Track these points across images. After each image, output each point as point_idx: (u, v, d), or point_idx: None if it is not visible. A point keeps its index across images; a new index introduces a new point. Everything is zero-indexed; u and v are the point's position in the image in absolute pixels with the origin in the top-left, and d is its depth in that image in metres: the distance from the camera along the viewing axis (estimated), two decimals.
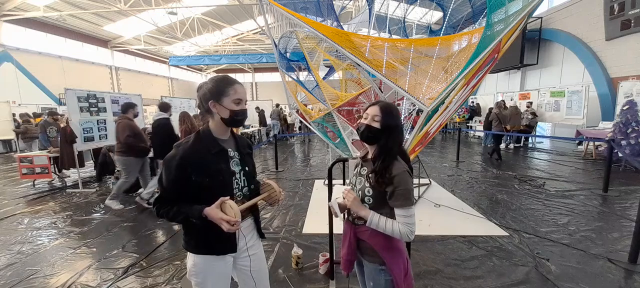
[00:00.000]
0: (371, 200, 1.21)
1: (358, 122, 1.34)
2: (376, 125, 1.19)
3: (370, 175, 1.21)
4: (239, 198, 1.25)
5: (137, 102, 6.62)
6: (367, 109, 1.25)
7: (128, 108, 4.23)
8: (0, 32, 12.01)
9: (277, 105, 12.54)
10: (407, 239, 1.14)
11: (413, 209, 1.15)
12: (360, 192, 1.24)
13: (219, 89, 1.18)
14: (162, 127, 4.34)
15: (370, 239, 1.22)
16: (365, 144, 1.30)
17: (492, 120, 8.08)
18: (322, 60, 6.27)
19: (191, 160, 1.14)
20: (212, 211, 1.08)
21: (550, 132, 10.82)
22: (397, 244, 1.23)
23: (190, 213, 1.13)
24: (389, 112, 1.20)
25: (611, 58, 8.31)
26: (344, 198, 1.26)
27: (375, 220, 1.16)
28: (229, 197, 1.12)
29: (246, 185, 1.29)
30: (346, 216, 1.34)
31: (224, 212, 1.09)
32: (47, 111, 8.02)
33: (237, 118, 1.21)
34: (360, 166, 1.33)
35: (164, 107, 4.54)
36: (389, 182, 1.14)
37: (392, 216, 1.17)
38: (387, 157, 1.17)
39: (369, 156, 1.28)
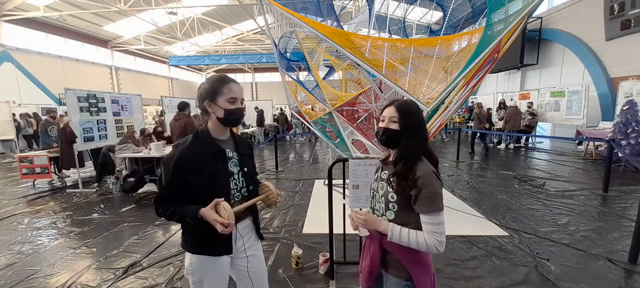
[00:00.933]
0: (396, 206, 1.10)
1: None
2: (394, 127, 1.10)
3: (391, 179, 1.11)
4: (237, 199, 1.25)
5: (137, 102, 6.66)
6: (383, 110, 1.16)
7: (185, 106, 4.69)
8: (0, 32, 12.01)
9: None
10: (434, 251, 1.02)
11: (441, 216, 1.02)
12: (383, 198, 1.14)
13: (213, 88, 1.18)
14: None
15: (398, 251, 1.10)
16: (385, 148, 1.20)
17: (473, 119, 8.42)
18: (322, 60, 6.27)
19: (188, 161, 1.14)
20: (206, 212, 1.08)
21: (550, 132, 10.82)
22: (426, 258, 1.13)
23: (187, 213, 1.13)
24: (408, 110, 1.10)
25: (611, 58, 8.31)
26: (355, 223, 1.14)
27: (397, 232, 1.05)
28: (223, 199, 1.11)
29: (245, 186, 1.28)
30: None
31: (219, 213, 1.09)
32: (45, 110, 8.04)
33: (231, 117, 1.20)
34: (380, 170, 1.22)
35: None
36: (413, 185, 1.04)
37: (418, 221, 1.07)
38: (410, 159, 1.08)
39: (391, 158, 1.18)
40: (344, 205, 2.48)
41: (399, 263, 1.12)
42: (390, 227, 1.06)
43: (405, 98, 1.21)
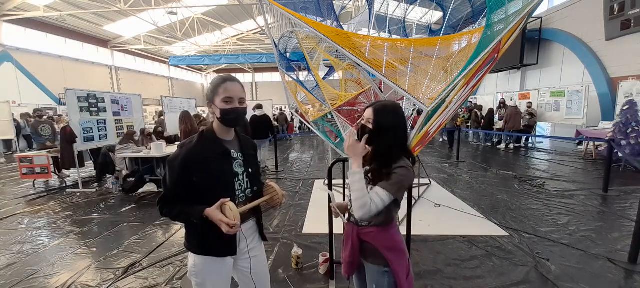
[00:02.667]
0: None
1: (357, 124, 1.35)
2: (369, 126, 1.19)
3: (368, 175, 1.20)
4: (241, 200, 1.25)
5: (137, 102, 6.65)
6: (364, 112, 1.25)
7: (185, 116, 5.14)
8: (0, 32, 12.01)
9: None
10: (360, 210, 1.09)
11: (388, 199, 1.10)
12: None
13: (213, 89, 1.19)
14: (263, 121, 6.39)
15: (375, 240, 1.19)
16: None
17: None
18: (322, 60, 6.26)
19: (194, 161, 1.14)
20: (212, 212, 1.08)
21: (550, 132, 10.83)
22: (400, 245, 1.22)
23: (192, 213, 1.13)
24: (383, 112, 1.18)
25: (611, 58, 8.31)
26: (335, 211, 1.28)
27: (357, 177, 1.11)
28: (229, 199, 1.11)
29: (249, 186, 1.28)
30: (348, 217, 1.31)
31: (224, 213, 1.08)
32: (34, 111, 8.12)
33: (227, 117, 1.18)
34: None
35: (260, 106, 6.53)
36: (387, 175, 1.13)
37: (387, 213, 1.16)
38: (384, 157, 1.16)
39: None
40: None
41: (376, 251, 1.20)
42: (358, 169, 1.14)
43: (381, 99, 1.31)
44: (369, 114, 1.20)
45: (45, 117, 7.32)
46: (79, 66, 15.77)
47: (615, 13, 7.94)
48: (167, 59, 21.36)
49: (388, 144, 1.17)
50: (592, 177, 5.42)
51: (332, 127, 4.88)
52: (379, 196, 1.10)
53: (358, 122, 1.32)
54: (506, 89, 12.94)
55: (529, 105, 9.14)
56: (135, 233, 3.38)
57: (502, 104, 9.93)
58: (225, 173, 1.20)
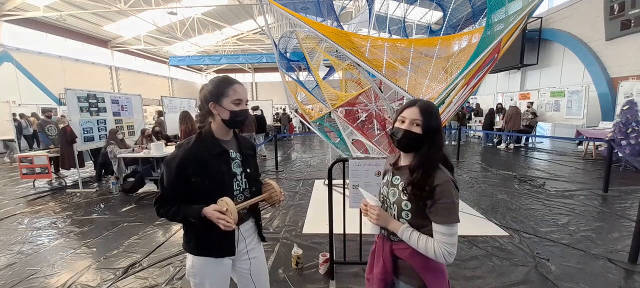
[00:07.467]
0: (409, 215, 1.04)
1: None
2: (417, 130, 1.01)
3: (407, 188, 1.03)
4: (239, 200, 1.24)
5: (137, 102, 6.65)
6: (403, 110, 1.06)
7: (185, 117, 5.36)
8: (0, 32, 12.01)
9: None
10: (443, 261, 0.96)
11: (456, 227, 0.97)
12: (395, 205, 1.08)
13: (218, 89, 1.17)
14: (263, 120, 8.68)
15: (411, 258, 1.05)
16: (398, 151, 1.13)
17: None
18: (322, 60, 6.26)
19: (192, 161, 1.14)
20: (209, 210, 1.08)
21: (550, 132, 10.82)
22: (440, 266, 1.06)
23: (189, 213, 1.13)
24: (430, 112, 1.02)
25: (611, 58, 8.31)
26: (367, 214, 1.09)
27: (407, 234, 1.01)
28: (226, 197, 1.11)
29: (247, 187, 1.28)
30: (380, 230, 1.16)
31: (221, 210, 1.09)
32: (43, 110, 8.09)
33: (237, 119, 1.19)
34: (391, 175, 1.15)
35: (256, 107, 8.36)
36: (429, 194, 0.98)
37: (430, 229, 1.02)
38: (429, 167, 1.01)
39: (402, 163, 1.11)
40: (344, 204, 2.47)
41: (412, 270, 1.07)
42: (401, 228, 1.03)
43: (423, 99, 1.07)
44: (414, 113, 1.02)
45: (56, 117, 7.33)
46: (79, 66, 15.76)
47: (615, 13, 7.94)
48: (167, 59, 21.34)
49: (434, 150, 1.02)
50: (592, 177, 5.42)
51: (331, 126, 4.87)
52: (441, 235, 0.97)
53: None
54: (506, 89, 12.93)
55: (529, 105, 9.13)
56: (135, 233, 3.38)
57: (499, 108, 9.89)
58: (224, 174, 1.19)
